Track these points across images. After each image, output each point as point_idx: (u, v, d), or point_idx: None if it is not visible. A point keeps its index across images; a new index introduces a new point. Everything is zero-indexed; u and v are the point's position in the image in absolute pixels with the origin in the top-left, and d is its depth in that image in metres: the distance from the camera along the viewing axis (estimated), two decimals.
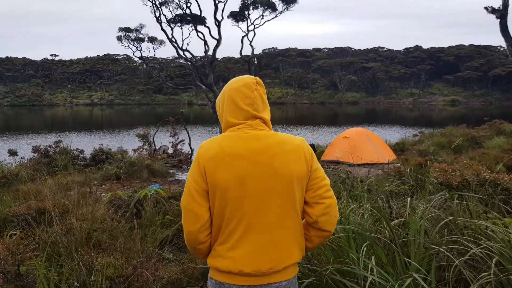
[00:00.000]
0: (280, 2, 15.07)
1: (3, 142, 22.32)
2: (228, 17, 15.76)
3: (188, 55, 14.22)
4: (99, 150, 11.45)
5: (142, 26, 14.71)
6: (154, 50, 14.64)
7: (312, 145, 14.23)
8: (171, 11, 14.82)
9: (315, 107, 78.49)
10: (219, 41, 13.73)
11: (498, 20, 13.52)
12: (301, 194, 1.69)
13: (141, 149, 14.43)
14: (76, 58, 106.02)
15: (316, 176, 1.71)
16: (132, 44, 14.94)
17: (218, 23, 13.77)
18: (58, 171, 10.11)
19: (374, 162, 12.72)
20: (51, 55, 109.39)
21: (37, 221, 3.59)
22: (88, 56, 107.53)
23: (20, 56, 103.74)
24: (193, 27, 14.99)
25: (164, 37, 14.79)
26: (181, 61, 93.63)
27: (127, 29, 14.51)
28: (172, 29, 14.51)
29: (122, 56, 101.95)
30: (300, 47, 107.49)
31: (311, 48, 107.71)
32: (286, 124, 38.27)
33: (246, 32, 14.83)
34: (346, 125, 35.92)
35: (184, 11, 14.45)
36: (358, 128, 14.29)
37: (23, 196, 6.88)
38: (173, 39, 14.04)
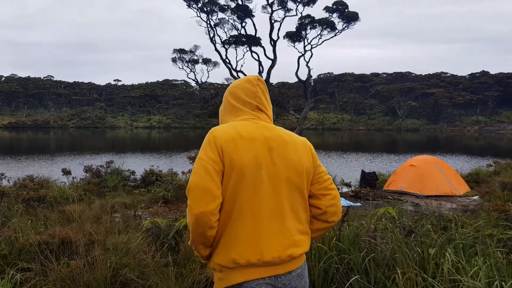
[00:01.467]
0: (340, 20, 14.39)
1: (65, 161, 23.16)
2: (284, 37, 15.35)
3: (242, 76, 13.85)
4: (150, 171, 11.19)
5: (196, 47, 14.66)
6: (208, 71, 14.55)
7: (373, 173, 13.11)
8: (225, 32, 14.66)
9: (372, 134, 76.02)
10: (274, 61, 13.25)
11: None
12: (308, 187, 1.72)
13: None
14: (137, 83, 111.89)
15: (321, 170, 1.76)
16: (187, 65, 14.91)
17: (273, 43, 13.36)
18: (108, 192, 9.90)
19: (445, 194, 11.40)
20: (114, 80, 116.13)
21: (59, 252, 3.07)
22: (148, 81, 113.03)
23: (86, 81, 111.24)
24: (248, 48, 14.68)
25: (218, 59, 14.60)
26: None
27: (181, 51, 14.50)
28: (226, 50, 14.32)
29: (180, 82, 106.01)
30: (357, 72, 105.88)
31: (369, 73, 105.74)
32: (341, 150, 36.98)
33: (303, 52, 14.26)
34: (407, 153, 34.00)
35: (239, 32, 14.20)
36: (426, 156, 13.01)
37: (66, 217, 6.53)
38: (227, 60, 13.79)
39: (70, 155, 30.28)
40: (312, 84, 16.11)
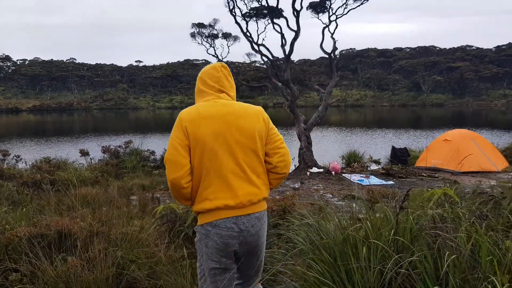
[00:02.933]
0: None
1: (86, 143, 23.11)
2: (307, 8, 14.39)
3: (263, 50, 13.09)
4: None
5: (215, 21, 13.91)
6: (228, 47, 13.88)
7: (404, 149, 12.35)
8: (245, 4, 13.84)
9: (396, 110, 74.09)
10: (297, 32, 12.43)
11: None
12: (262, 146, 2.15)
13: None
14: (158, 64, 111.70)
15: (272, 132, 2.20)
16: (206, 41, 14.20)
17: (296, 13, 12.50)
18: (126, 173, 9.54)
19: (483, 170, 10.61)
20: (136, 61, 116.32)
21: (55, 247, 2.58)
22: (169, 62, 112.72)
23: (108, 63, 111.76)
24: (269, 21, 13.86)
25: (238, 33, 13.82)
26: (256, 64, 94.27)
27: (200, 25, 13.81)
28: (247, 23, 13.50)
29: (200, 61, 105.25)
30: (379, 47, 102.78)
31: (392, 48, 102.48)
32: (365, 127, 35.94)
33: (327, 23, 13.35)
34: (434, 129, 32.83)
35: (260, 3, 13.38)
36: (462, 130, 12.12)
37: (81, 201, 6.14)
38: (247, 33, 13.02)
39: (92, 136, 30.37)
40: (337, 57, 15.27)
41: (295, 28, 12.46)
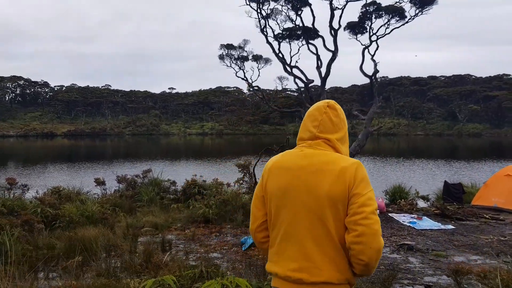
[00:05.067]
0: (413, 5, 12.19)
1: (113, 169, 22.49)
2: (344, 28, 13.34)
3: (297, 73, 12.03)
4: (191, 182, 9.66)
5: (246, 42, 13.05)
6: (259, 69, 12.96)
7: (459, 184, 10.78)
8: (278, 24, 12.93)
9: (431, 139, 71.36)
10: (335, 53, 11.34)
11: None
12: (338, 216, 1.68)
13: (241, 182, 12.44)
14: (190, 91, 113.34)
15: (355, 201, 1.66)
16: (235, 63, 13.31)
17: (334, 32, 11.45)
18: (141, 206, 8.48)
19: None
20: (169, 88, 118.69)
21: None
22: (201, 89, 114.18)
23: (141, 90, 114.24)
24: (303, 42, 12.87)
25: (269, 55, 12.86)
26: (287, 92, 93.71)
27: (229, 46, 12.96)
28: (279, 43, 12.56)
29: (232, 88, 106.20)
30: (413, 75, 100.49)
31: (426, 76, 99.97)
32: (402, 157, 34.00)
33: (368, 44, 12.20)
34: (476, 160, 30.69)
35: (294, 23, 12.43)
36: None
37: (75, 247, 5.07)
38: (280, 54, 12.03)
39: (122, 161, 29.92)
40: (381, 78, 14.01)
41: (333, 48, 11.39)
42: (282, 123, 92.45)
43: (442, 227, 7.57)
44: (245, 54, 13.28)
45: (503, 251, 5.75)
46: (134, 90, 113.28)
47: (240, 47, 13.16)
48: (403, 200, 10.13)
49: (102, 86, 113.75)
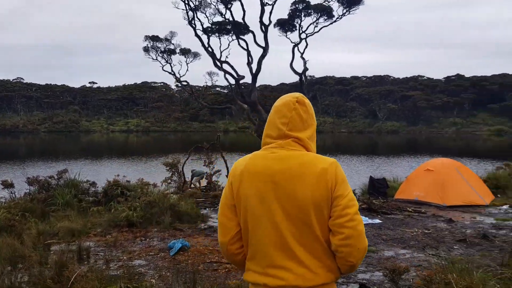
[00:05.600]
0: (340, 5, 12.46)
1: (29, 168, 20.51)
2: (274, 25, 13.31)
3: (227, 68, 11.73)
4: (114, 182, 8.93)
5: (173, 34, 12.44)
6: (187, 64, 12.40)
7: (383, 179, 11.22)
8: (207, 17, 12.52)
9: (354, 136, 75.33)
10: (265, 49, 11.21)
11: None
12: (322, 219, 1.62)
13: (169, 181, 11.88)
14: (114, 86, 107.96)
15: (338, 203, 1.60)
16: (162, 56, 12.67)
17: (265, 28, 11.32)
18: (56, 211, 7.64)
19: (470, 204, 9.60)
20: (89, 82, 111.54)
21: None
22: (126, 84, 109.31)
23: (59, 84, 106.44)
24: (234, 37, 12.61)
25: (198, 48, 12.39)
26: (217, 89, 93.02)
27: (155, 38, 12.28)
28: (208, 37, 12.16)
29: (159, 84, 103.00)
30: (337, 75, 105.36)
31: (349, 77, 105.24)
32: (328, 153, 35.27)
33: (298, 42, 12.26)
34: (394, 156, 32.78)
35: (223, 17, 12.09)
36: (444, 159, 11.19)
37: None
38: (209, 48, 11.64)
39: (31, 162, 27.44)
40: (308, 77, 14.10)
41: (263, 44, 11.26)
42: (212, 120, 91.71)
43: (370, 221, 7.73)
44: (172, 47, 12.70)
45: (429, 244, 5.94)
46: (51, 84, 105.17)
47: (166, 39, 12.55)
48: None
49: (13, 79, 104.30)
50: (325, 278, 1.64)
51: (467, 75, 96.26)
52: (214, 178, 12.21)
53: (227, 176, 11.80)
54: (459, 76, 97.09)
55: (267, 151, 1.70)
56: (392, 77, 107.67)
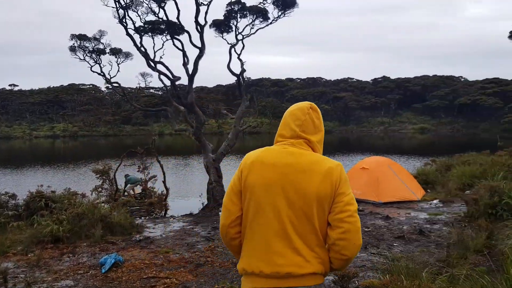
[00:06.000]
0: (276, 7, 12.44)
1: None
2: (210, 26, 12.99)
3: (162, 69, 11.22)
4: (37, 193, 8.10)
5: (102, 33, 11.64)
6: (118, 64, 11.62)
7: None
8: (139, 16, 11.91)
9: None
10: (202, 50, 10.86)
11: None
12: (322, 213, 1.75)
13: (100, 190, 11.10)
14: (37, 88, 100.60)
15: (340, 200, 1.74)
16: (90, 56, 11.82)
17: (200, 28, 10.97)
18: None
19: (404, 200, 10.01)
20: (9, 85, 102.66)
21: None
22: (51, 86, 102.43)
23: None
24: (168, 37, 12.13)
25: (130, 48, 11.73)
26: (151, 91, 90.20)
27: (82, 37, 11.41)
28: (141, 37, 11.55)
29: (88, 86, 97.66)
30: (273, 77, 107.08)
31: (284, 78, 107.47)
32: None
33: (234, 43, 12.07)
34: (328, 155, 33.74)
35: (157, 16, 11.56)
36: (378, 157, 11.61)
37: None
38: (142, 48, 11.06)
39: None
40: (246, 79, 13.95)
41: (199, 45, 10.90)
42: (146, 123, 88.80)
43: None
44: (101, 46, 11.89)
45: (370, 242, 6.00)
46: None
47: (95, 38, 11.71)
48: None
49: None
50: (316, 268, 1.74)
51: (392, 77, 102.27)
52: (149, 184, 11.63)
53: (163, 181, 11.33)
54: (385, 78, 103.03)
55: (280, 147, 1.86)
56: (324, 79, 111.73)
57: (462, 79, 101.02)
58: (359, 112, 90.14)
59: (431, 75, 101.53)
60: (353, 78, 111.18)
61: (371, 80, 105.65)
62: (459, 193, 10.35)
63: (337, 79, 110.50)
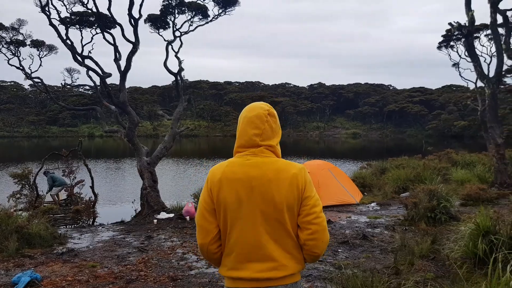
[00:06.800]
0: (216, 5, 12.02)
1: None
2: (145, 21, 12.26)
3: (91, 64, 10.32)
4: None
5: (21, 22, 10.45)
6: (41, 58, 10.43)
7: None
8: (66, 6, 10.89)
9: (228, 139, 76.61)
10: (135, 45, 10.13)
11: (463, 38, 12.04)
12: (292, 216, 1.83)
13: (18, 196, 9.93)
14: None
15: (307, 203, 1.83)
16: (7, 47, 10.58)
17: (134, 22, 10.22)
18: None
19: (343, 203, 10.03)
20: None
21: None
22: None
23: None
24: (98, 30, 11.26)
25: (54, 41, 10.67)
26: (81, 89, 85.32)
27: None
28: (66, 29, 10.55)
29: (8, 83, 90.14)
30: (211, 79, 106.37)
31: (223, 82, 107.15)
32: (204, 157, 34.84)
33: (172, 39, 11.45)
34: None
35: (85, 6, 10.63)
36: (319, 161, 11.55)
37: None
38: (68, 40, 10.08)
39: None
40: (184, 78, 13.29)
41: (133, 39, 10.15)
42: (75, 124, 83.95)
43: None
44: (20, 37, 10.70)
45: None
46: None
47: (13, 28, 10.50)
48: None
49: None
50: (294, 269, 1.85)
51: (327, 84, 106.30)
52: (76, 189, 10.63)
53: (91, 187, 10.41)
54: (320, 84, 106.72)
55: (243, 159, 1.86)
56: (262, 84, 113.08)
57: (391, 88, 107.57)
58: (296, 117, 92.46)
59: (363, 83, 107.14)
60: (290, 84, 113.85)
61: (308, 86, 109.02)
62: (396, 196, 10.60)
63: (275, 84, 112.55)
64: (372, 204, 10.12)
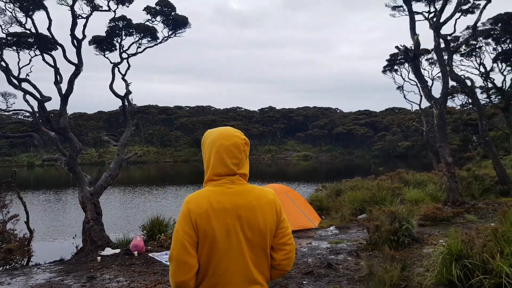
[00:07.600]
0: (166, 27, 11.61)
1: None
2: (90, 43, 11.63)
3: (28, 87, 9.48)
4: None
5: None
6: None
7: None
8: (1, 26, 10.07)
9: (179, 165, 74.99)
10: (78, 67, 9.44)
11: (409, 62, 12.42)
12: (271, 240, 1.87)
13: None
14: None
15: (283, 226, 1.89)
16: None
17: (77, 43, 9.57)
18: None
19: (302, 228, 9.71)
20: None
21: None
22: None
23: None
24: (37, 52, 10.49)
25: None
26: (19, 116, 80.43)
27: None
28: (1, 49, 9.69)
29: None
30: (161, 104, 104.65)
31: (173, 106, 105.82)
32: (154, 185, 33.54)
33: (119, 61, 10.87)
34: None
35: (23, 26, 9.86)
36: (276, 185, 11.26)
37: None
38: (2, 62, 9.22)
39: None
40: (132, 102, 12.56)
41: (76, 61, 9.46)
42: (11, 153, 78.81)
43: None
44: None
45: (277, 283, 5.32)
46: None
47: None
48: (163, 234, 9.03)
49: None
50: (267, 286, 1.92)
51: (278, 107, 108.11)
52: (8, 226, 9.52)
53: (26, 222, 9.39)
54: (271, 108, 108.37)
55: (222, 187, 1.83)
56: (213, 108, 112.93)
57: (338, 111, 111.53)
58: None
59: (311, 106, 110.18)
60: (241, 108, 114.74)
61: (258, 109, 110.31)
62: (353, 218, 10.46)
63: (226, 108, 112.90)
64: (331, 228, 9.89)
